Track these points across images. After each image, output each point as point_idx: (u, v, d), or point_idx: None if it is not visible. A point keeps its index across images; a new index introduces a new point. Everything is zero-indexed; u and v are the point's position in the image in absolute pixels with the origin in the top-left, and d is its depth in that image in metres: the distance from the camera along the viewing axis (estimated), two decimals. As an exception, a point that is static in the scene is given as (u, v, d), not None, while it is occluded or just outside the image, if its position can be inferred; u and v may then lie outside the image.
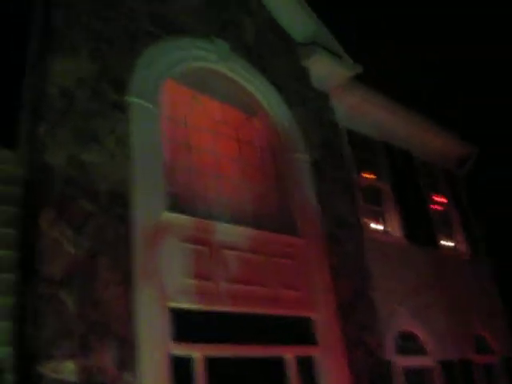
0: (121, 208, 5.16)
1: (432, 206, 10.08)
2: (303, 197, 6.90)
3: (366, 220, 8.37)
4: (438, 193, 10.49)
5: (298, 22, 8.18)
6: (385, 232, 8.70)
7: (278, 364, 5.78)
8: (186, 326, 5.15)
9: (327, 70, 8.27)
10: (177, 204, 5.83)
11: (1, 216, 4.87)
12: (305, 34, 8.22)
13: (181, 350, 4.99)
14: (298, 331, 6.12)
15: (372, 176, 8.99)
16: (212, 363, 5.17)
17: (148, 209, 5.31)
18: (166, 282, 5.12)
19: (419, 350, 7.97)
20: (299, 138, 7.35)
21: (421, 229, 9.29)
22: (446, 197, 10.69)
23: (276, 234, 6.38)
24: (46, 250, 4.54)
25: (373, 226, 8.55)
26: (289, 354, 5.85)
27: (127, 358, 4.62)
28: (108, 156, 5.29)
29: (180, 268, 5.32)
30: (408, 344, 7.86)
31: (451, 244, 10.26)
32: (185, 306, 5.22)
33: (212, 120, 6.70)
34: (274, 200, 6.81)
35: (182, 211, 5.72)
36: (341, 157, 7.91)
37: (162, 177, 5.64)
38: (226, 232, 5.90)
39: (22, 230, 4.85)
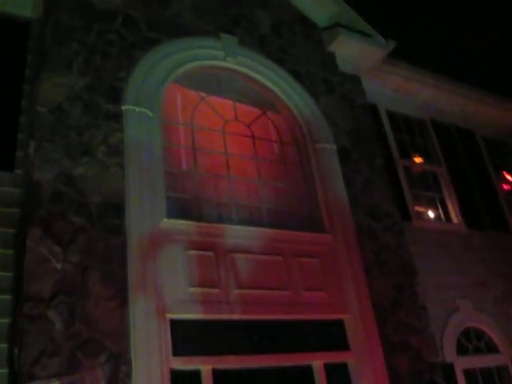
0: (114, 219, 4.99)
1: (501, 187, 9.02)
2: (330, 189, 6.37)
3: (417, 208, 7.64)
4: (508, 171, 9.37)
5: (318, 5, 7.66)
6: (442, 220, 7.89)
7: (304, 373, 5.32)
8: (190, 338, 4.86)
9: (355, 52, 7.66)
10: (184, 210, 5.62)
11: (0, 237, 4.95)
12: (328, 18, 7.68)
13: (184, 364, 4.71)
14: (327, 336, 5.58)
15: (422, 160, 8.21)
16: (223, 377, 4.86)
17: (145, 217, 5.09)
18: (165, 293, 4.86)
19: (489, 349, 7.08)
20: (324, 127, 6.83)
21: (487, 213, 8.35)
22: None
23: (297, 232, 5.90)
24: (32, 268, 4.47)
25: (427, 214, 7.78)
26: (316, 361, 5.35)
27: (122, 374, 4.42)
28: (100, 167, 5.16)
29: (182, 277, 5.03)
30: (474, 343, 7.02)
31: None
32: (188, 316, 4.93)
33: (222, 120, 6.39)
34: (297, 196, 6.35)
35: (189, 217, 5.48)
36: (375, 142, 7.26)
37: (163, 183, 5.42)
38: (237, 235, 5.52)
39: (16, 251, 4.89)
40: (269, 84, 6.80)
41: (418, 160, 8.17)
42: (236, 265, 5.39)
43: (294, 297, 5.55)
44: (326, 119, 6.94)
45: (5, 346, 4.51)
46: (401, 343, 5.92)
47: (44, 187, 4.83)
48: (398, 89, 8.42)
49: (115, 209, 5.04)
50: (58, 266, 4.57)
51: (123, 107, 5.55)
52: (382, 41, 7.71)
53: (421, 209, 7.73)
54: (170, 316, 4.81)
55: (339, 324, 5.70)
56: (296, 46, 7.39)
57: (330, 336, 5.61)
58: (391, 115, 8.27)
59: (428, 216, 7.80)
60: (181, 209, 5.59)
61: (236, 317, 5.14)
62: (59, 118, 5.22)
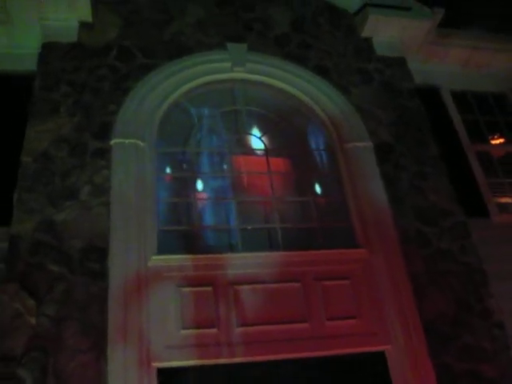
0: (96, 263, 4.63)
1: None
2: (363, 194, 5.38)
3: (499, 200, 6.20)
4: None
5: (345, -12, 6.76)
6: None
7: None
8: (181, 388, 4.30)
9: (396, 31, 6.56)
10: (185, 243, 5.08)
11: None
12: (360, 1, 6.72)
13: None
14: (362, 373, 4.60)
15: (504, 140, 6.71)
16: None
17: (131, 257, 4.63)
18: (152, 339, 4.34)
19: None
20: (356, 124, 5.86)
21: None
22: None
23: (321, 251, 5.03)
24: (6, 325, 4.26)
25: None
26: (349, 406, 4.43)
27: None
28: (83, 209, 4.85)
29: (173, 319, 4.47)
30: None
31: None
32: (179, 363, 4.34)
33: (232, 137, 5.79)
34: (322, 207, 5.47)
35: (189, 250, 4.94)
36: (428, 129, 6.05)
37: (156, 217, 4.97)
38: (243, 263, 4.84)
39: None
40: (288, 87, 6.07)
41: (497, 141, 6.71)
42: (240, 298, 4.69)
43: (315, 329, 4.66)
44: (361, 113, 5.98)
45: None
46: (468, 373, 4.68)
47: (23, 239, 4.65)
48: (465, 63, 7.04)
49: (96, 253, 4.67)
50: (33, 320, 4.31)
51: (111, 142, 5.25)
52: (426, 11, 6.51)
53: (505, 200, 6.25)
54: (156, 365, 4.28)
55: (378, 357, 4.67)
56: (321, 39, 6.55)
57: (366, 373, 4.62)
58: (458, 95, 6.92)
59: (519, 209, 6.30)
60: (181, 242, 5.08)
61: (238, 360, 4.44)
62: (44, 165, 5.05)
